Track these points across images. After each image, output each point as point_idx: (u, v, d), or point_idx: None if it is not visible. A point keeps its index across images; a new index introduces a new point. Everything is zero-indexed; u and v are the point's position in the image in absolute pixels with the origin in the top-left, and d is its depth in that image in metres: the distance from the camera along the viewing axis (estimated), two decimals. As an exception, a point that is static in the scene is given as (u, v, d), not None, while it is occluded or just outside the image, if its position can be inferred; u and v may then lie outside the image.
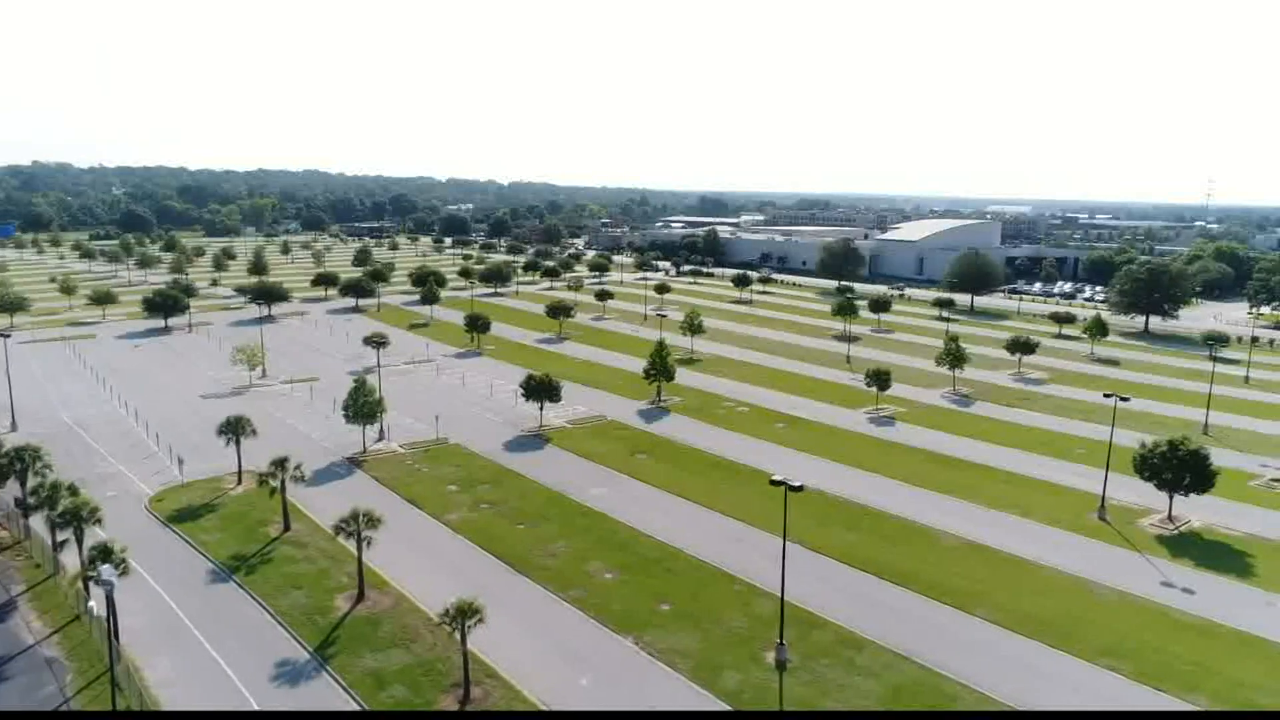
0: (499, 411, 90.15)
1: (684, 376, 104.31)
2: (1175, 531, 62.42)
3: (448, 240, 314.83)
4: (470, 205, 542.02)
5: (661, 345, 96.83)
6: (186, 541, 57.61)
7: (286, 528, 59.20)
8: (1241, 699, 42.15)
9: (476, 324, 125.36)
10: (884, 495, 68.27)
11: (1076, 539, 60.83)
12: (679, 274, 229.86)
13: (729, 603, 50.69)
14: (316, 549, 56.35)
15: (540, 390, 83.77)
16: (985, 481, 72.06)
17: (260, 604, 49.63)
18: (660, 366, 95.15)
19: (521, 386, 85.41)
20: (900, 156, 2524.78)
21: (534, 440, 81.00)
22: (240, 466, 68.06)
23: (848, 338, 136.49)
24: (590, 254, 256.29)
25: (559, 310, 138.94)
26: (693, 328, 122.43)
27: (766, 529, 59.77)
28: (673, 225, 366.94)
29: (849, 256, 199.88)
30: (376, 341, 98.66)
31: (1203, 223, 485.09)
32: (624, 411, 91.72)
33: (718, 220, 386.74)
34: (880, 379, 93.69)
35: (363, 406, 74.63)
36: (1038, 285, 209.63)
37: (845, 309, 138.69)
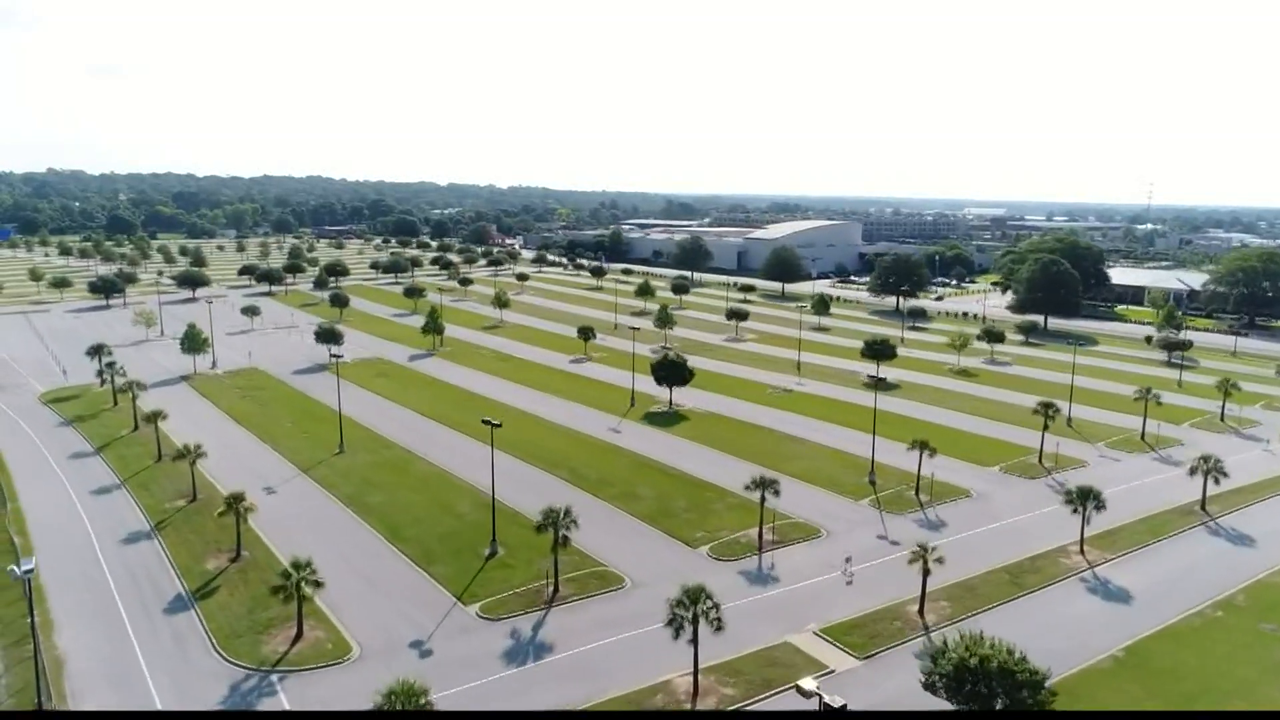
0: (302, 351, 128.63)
1: (477, 337, 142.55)
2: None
3: (393, 240, 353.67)
4: (455, 209, 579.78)
5: (435, 309, 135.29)
6: (61, 419, 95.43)
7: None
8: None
9: (337, 301, 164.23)
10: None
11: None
12: (550, 265, 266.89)
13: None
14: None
15: (329, 337, 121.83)
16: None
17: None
18: (432, 324, 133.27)
19: (315, 332, 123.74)
20: (896, 161, 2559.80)
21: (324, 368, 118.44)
22: (103, 380, 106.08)
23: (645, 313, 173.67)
24: (524, 252, 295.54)
25: (414, 291, 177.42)
26: (500, 302, 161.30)
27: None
28: (623, 226, 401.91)
29: (698, 252, 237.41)
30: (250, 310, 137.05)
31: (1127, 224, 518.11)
32: (400, 356, 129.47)
33: (677, 223, 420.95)
34: (585, 332, 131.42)
35: (196, 343, 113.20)
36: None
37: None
